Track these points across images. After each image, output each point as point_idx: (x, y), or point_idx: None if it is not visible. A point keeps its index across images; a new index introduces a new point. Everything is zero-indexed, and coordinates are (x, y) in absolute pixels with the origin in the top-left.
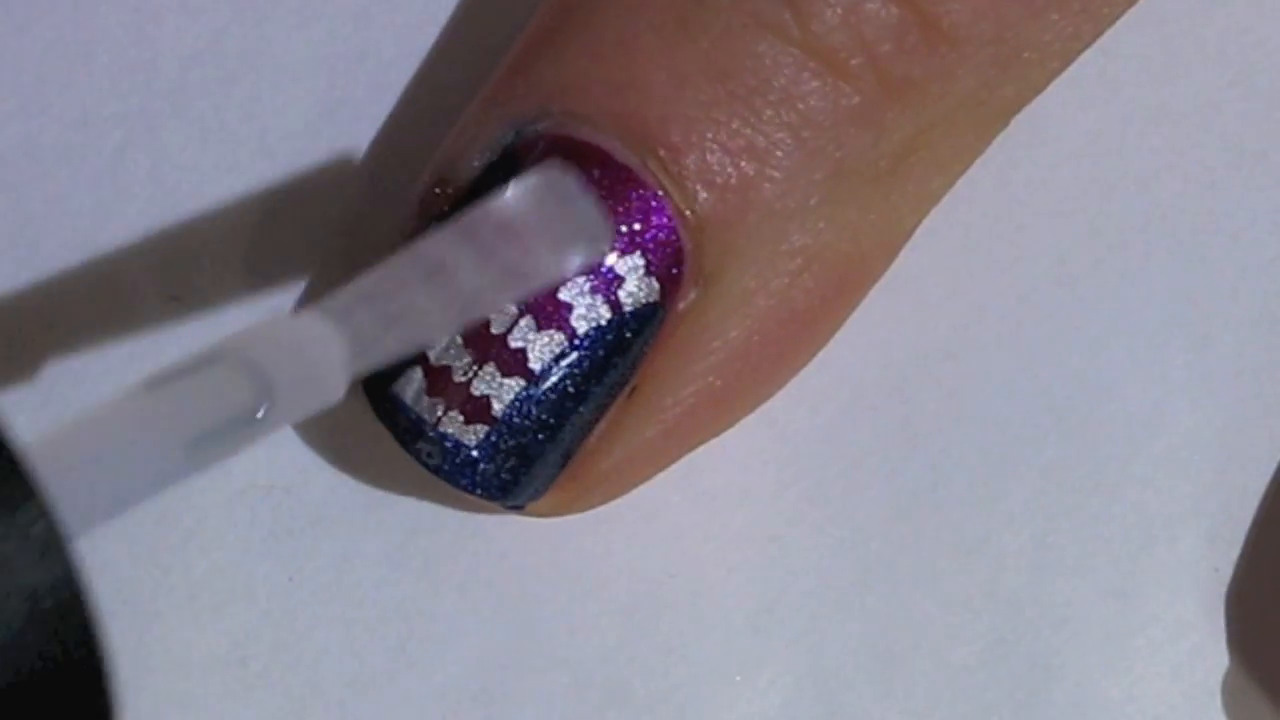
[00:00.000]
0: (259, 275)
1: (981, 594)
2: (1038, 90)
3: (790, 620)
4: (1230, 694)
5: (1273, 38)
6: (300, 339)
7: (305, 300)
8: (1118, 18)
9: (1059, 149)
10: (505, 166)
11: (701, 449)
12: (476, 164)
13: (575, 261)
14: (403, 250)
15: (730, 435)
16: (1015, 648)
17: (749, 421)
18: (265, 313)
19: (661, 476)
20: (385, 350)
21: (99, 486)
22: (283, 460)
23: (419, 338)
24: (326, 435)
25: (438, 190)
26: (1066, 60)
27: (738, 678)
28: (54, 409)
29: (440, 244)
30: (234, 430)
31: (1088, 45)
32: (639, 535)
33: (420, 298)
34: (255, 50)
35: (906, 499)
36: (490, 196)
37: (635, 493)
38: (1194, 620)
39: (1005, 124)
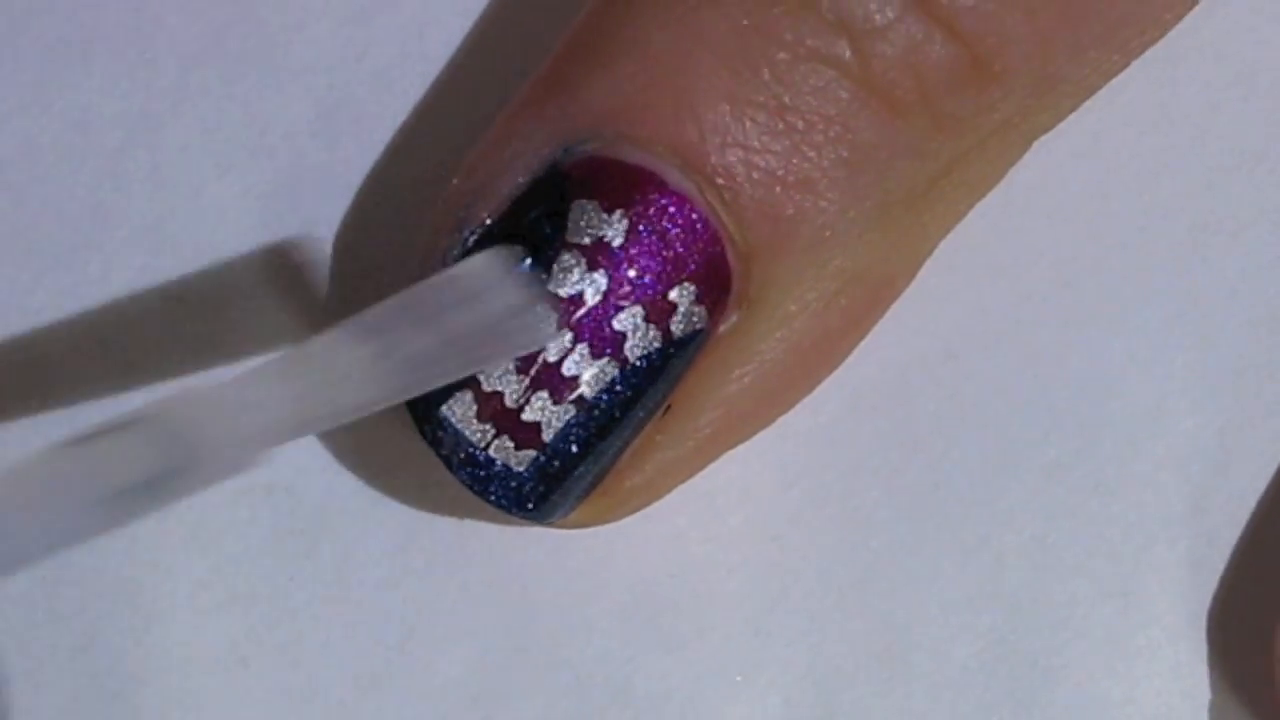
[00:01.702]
0: (259, 275)
1: (981, 594)
2: (1064, 117)
3: (790, 620)
4: (1219, 693)
5: (1273, 38)
6: (223, 405)
7: (306, 299)
8: (1145, 50)
9: (1059, 149)
10: (552, 185)
11: None
12: (522, 180)
13: (514, 344)
14: (343, 323)
15: None
16: (1015, 648)
17: None
18: (266, 313)
19: None
20: (310, 420)
21: (13, 536)
22: (283, 460)
23: (346, 410)
24: (327, 436)
25: (472, 202)
26: (1096, 89)
27: (738, 678)
28: (54, 409)
29: (379, 315)
30: (153, 489)
31: (1116, 75)
32: (639, 535)
33: (353, 370)
34: (255, 50)
35: (906, 499)
36: (437, 272)
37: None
38: (1194, 620)
39: (1030, 146)
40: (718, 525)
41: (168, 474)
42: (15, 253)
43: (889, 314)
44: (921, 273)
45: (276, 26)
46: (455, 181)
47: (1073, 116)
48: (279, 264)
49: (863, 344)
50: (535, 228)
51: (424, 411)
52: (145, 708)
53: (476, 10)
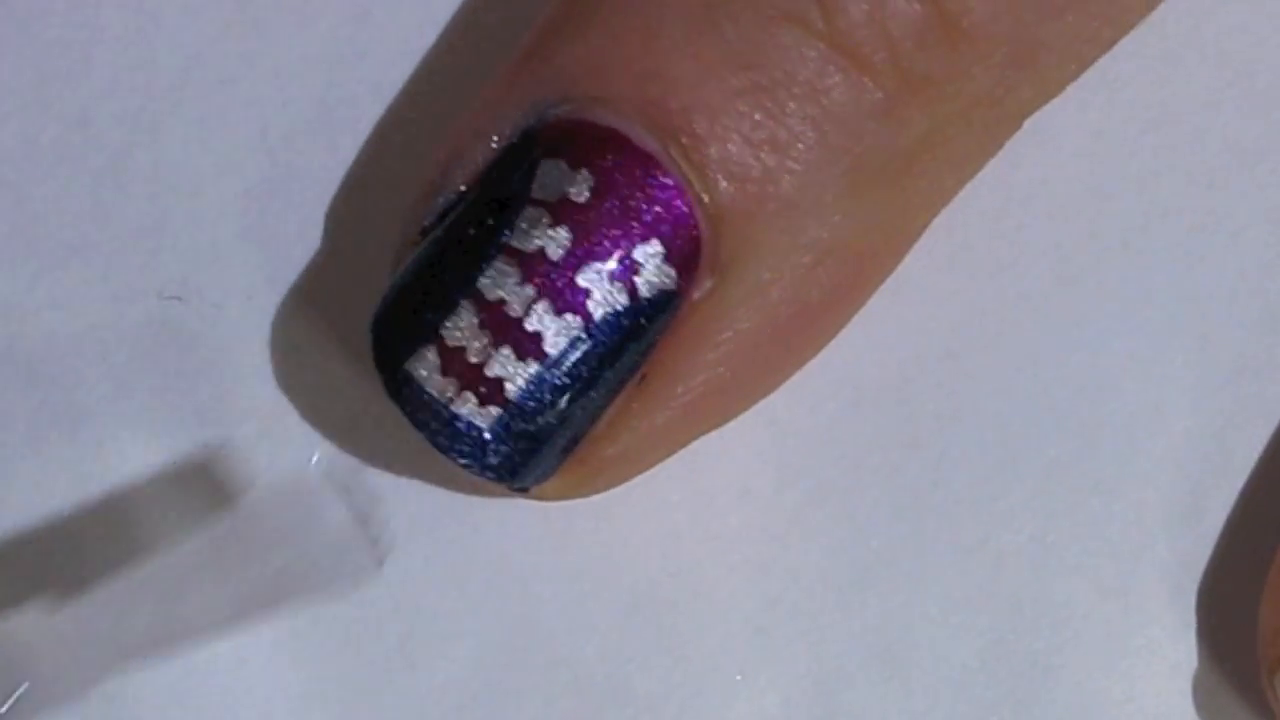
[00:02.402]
0: (259, 275)
1: (981, 594)
2: (1053, 93)
3: (790, 620)
4: (1217, 693)
5: (1273, 38)
6: (52, 636)
7: (306, 299)
8: (1135, 23)
9: (1059, 149)
10: (524, 149)
11: (701, 448)
12: (495, 145)
13: (330, 580)
14: (157, 556)
15: (730, 435)
16: (1015, 648)
17: (749, 421)
18: (265, 314)
19: (661, 476)
20: (134, 649)
21: None
22: (282, 460)
23: (166, 640)
24: (327, 436)
25: (452, 170)
26: (1083, 64)
27: (738, 678)
28: (54, 409)
29: (192, 551)
30: None
31: (1104, 50)
32: (639, 534)
33: (167, 604)
34: (255, 50)
35: (906, 499)
36: (244, 509)
37: (636, 491)
38: (1194, 620)
39: (1019, 125)
40: (718, 525)
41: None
42: (15, 253)
43: (889, 313)
44: (921, 272)
45: (276, 26)
46: (436, 154)
47: (1072, 115)
48: (279, 264)
49: (863, 344)
50: (501, 186)
51: (389, 369)
52: (145, 708)
53: (476, 10)
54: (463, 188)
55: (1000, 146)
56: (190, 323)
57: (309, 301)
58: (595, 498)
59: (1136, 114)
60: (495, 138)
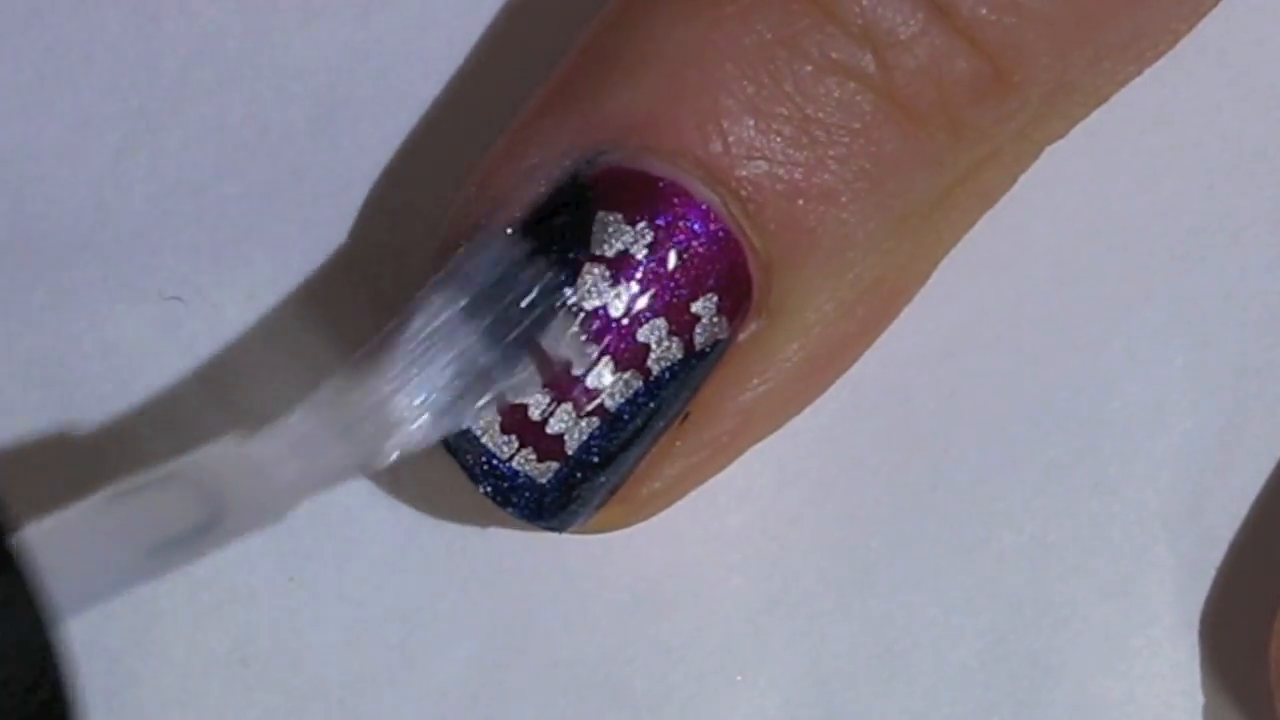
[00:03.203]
0: (259, 275)
1: (981, 594)
2: (1077, 123)
3: (790, 620)
4: (1216, 693)
5: (1273, 38)
6: (251, 461)
7: (306, 299)
8: (1155, 61)
9: (1059, 149)
10: (575, 195)
11: None
12: (543, 190)
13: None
14: (359, 360)
15: None
16: (1015, 648)
17: None
18: (266, 313)
19: None
20: (334, 473)
21: (63, 586)
22: None
23: (366, 460)
24: None
25: (492, 210)
26: (1109, 98)
27: (738, 678)
28: (54, 409)
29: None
30: (188, 542)
31: (1128, 83)
32: (639, 535)
33: (368, 426)
34: (255, 50)
35: (906, 499)
36: (454, 272)
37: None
38: (1192, 620)
39: (1040, 153)
40: (718, 525)
41: (200, 529)
42: (15, 253)
43: None
44: None
45: (276, 26)
46: (471, 188)
47: None
48: (279, 264)
49: None
50: (558, 239)
51: None
52: (145, 708)
53: (476, 10)
54: (509, 231)
55: (1023, 173)
56: (190, 323)
57: (309, 301)
58: None
59: (1137, 115)
60: (543, 180)
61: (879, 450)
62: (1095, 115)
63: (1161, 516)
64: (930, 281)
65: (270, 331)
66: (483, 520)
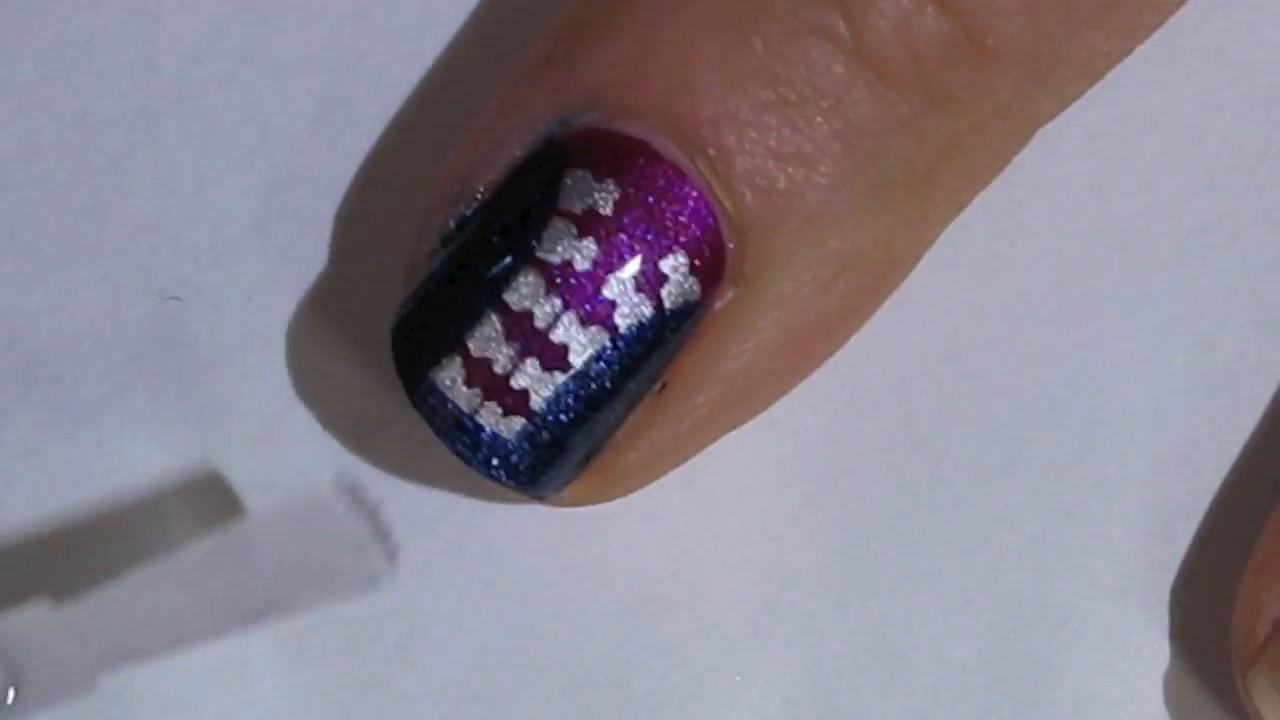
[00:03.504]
0: (259, 275)
1: (981, 594)
2: (1068, 104)
3: (790, 620)
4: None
5: (1273, 38)
6: (51, 634)
7: (306, 298)
8: (1146, 37)
9: (1060, 148)
10: (548, 158)
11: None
12: (518, 153)
13: (344, 583)
14: (161, 558)
15: (730, 435)
16: (1015, 648)
17: (749, 421)
18: (264, 313)
19: (662, 477)
20: (135, 652)
21: None
22: (282, 460)
23: (170, 643)
24: (327, 435)
25: (471, 176)
26: (1097, 77)
27: (738, 678)
28: (54, 409)
29: (200, 555)
30: None
31: (1116, 63)
32: (639, 535)
33: (171, 605)
34: (255, 50)
35: (906, 499)
36: (254, 516)
37: (636, 492)
38: (1194, 620)
39: (1033, 134)
40: (718, 525)
41: None
42: (15, 253)
43: (889, 313)
44: (921, 272)
45: (276, 26)
46: (452, 156)
47: (1073, 115)
48: (280, 264)
49: (863, 344)
50: (527, 196)
51: (412, 378)
52: (146, 708)
53: (476, 10)
54: (483, 194)
55: (1015, 155)
56: (190, 323)
57: (309, 301)
58: None
59: (1136, 114)
60: (517, 144)
61: (879, 450)
62: (1095, 114)
63: (1162, 516)
64: (930, 281)
65: (271, 332)
66: (476, 495)
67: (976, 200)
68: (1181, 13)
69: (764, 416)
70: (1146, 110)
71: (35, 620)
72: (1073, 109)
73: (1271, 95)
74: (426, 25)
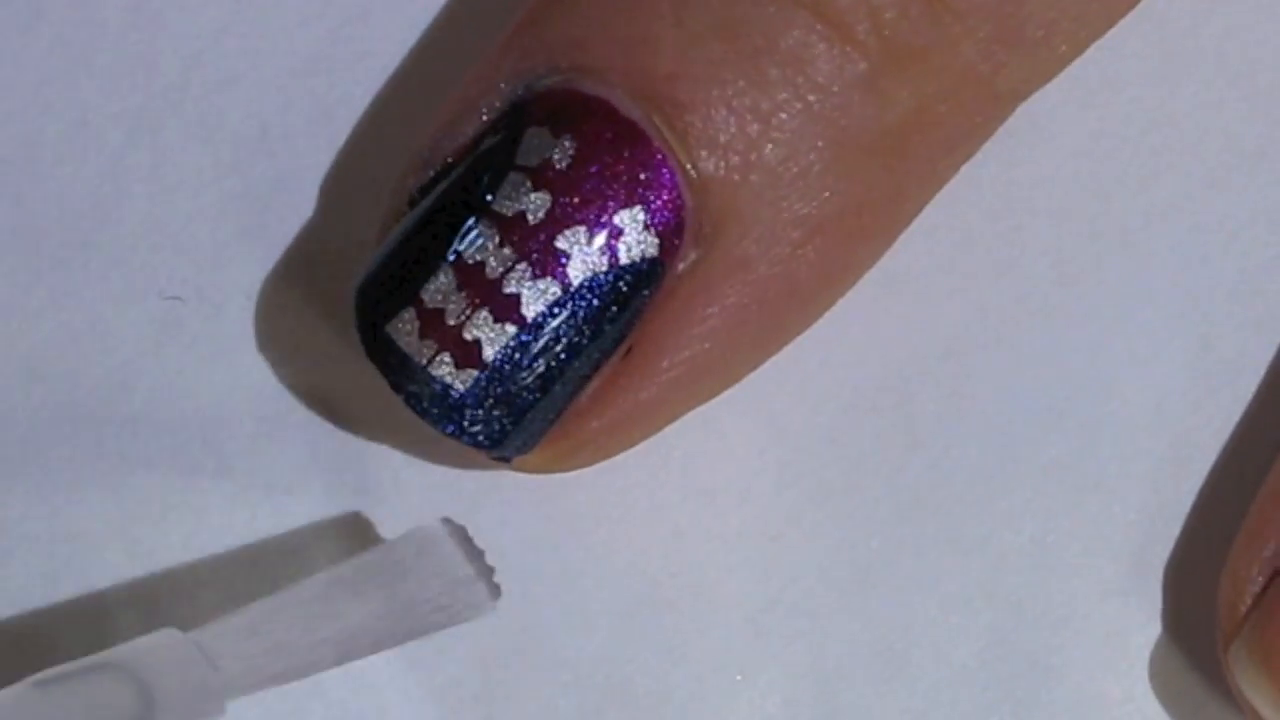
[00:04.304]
0: (259, 275)
1: (981, 594)
2: (1045, 77)
3: (790, 620)
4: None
5: (1273, 38)
6: (182, 658)
7: (307, 298)
8: (1126, 8)
9: (1059, 149)
10: (512, 120)
11: (702, 448)
12: (485, 117)
13: (452, 614)
14: (287, 588)
15: (730, 435)
16: (1015, 648)
17: (749, 421)
18: (266, 313)
19: (661, 476)
20: (263, 678)
21: None
22: (281, 460)
23: (296, 670)
24: (327, 435)
25: (440, 142)
26: (1075, 46)
27: (738, 678)
28: (54, 409)
29: (324, 586)
30: None
31: (1097, 32)
32: (639, 535)
33: (298, 634)
34: (255, 50)
35: (906, 499)
36: (376, 547)
37: (636, 491)
38: (1194, 620)
39: (1011, 109)
40: (718, 525)
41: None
42: (15, 253)
43: (888, 313)
44: (921, 272)
45: (276, 26)
46: (428, 127)
47: (1073, 114)
48: (279, 264)
49: (863, 344)
50: (489, 156)
51: (368, 332)
52: None
53: (476, 10)
54: (450, 159)
55: (993, 130)
56: (190, 323)
57: (309, 301)
58: (595, 498)
59: (1136, 114)
60: (484, 110)
61: (879, 450)
62: (1095, 114)
63: (1161, 516)
64: (930, 281)
65: (270, 331)
66: (482, 495)
67: (976, 199)
68: (1181, 13)
69: (764, 416)
70: (1146, 110)
71: (166, 644)
72: (1073, 109)
73: (1271, 95)
74: (426, 25)
